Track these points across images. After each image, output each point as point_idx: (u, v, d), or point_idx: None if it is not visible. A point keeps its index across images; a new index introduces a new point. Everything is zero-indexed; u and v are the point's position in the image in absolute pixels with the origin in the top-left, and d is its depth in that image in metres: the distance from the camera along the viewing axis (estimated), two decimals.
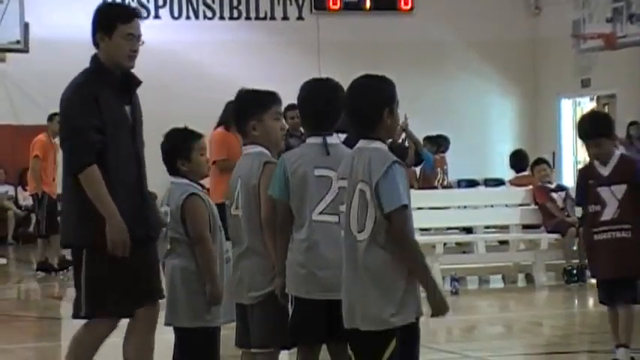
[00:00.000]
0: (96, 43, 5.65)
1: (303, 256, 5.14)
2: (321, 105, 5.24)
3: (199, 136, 5.82)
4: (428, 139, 16.06)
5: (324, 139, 5.19)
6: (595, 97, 22.59)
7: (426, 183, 15.22)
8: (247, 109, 5.48)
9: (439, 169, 15.59)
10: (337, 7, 23.35)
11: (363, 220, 4.61)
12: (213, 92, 20.89)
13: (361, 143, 4.71)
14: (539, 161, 13.77)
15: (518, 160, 14.67)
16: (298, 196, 5.16)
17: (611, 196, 6.90)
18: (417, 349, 4.69)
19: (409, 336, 4.63)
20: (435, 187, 15.16)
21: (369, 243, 4.59)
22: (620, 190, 6.90)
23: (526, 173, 14.30)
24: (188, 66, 21.25)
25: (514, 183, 14.51)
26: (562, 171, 22.51)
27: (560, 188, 13.29)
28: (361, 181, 4.62)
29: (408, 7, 23.72)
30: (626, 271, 6.97)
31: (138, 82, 5.71)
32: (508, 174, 19.07)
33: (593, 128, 7.07)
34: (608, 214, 6.90)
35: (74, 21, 21.33)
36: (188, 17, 22.47)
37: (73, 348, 5.74)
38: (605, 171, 6.96)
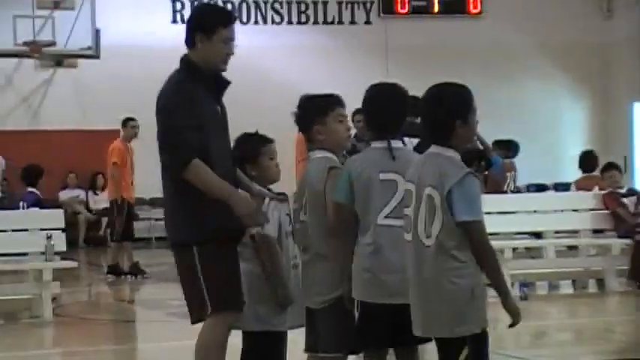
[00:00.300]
0: (191, 43, 5.57)
1: (368, 260, 5.12)
2: (385, 109, 5.23)
3: (269, 140, 5.82)
4: (497, 143, 15.94)
5: (389, 142, 5.18)
6: None
7: (495, 188, 15.10)
8: (310, 114, 5.47)
9: (508, 174, 15.45)
10: (405, 11, 23.30)
11: (430, 225, 4.60)
12: (282, 97, 20.97)
13: (433, 149, 4.71)
14: (610, 167, 13.59)
15: (587, 160, 14.49)
16: (363, 200, 5.14)
17: None
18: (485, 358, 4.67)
19: (476, 345, 4.61)
20: (504, 192, 15.03)
21: (436, 250, 4.59)
22: None
23: (593, 174, 14.13)
24: (257, 71, 21.37)
25: (581, 185, 14.31)
26: (634, 175, 22.20)
27: (632, 193, 13.11)
28: (429, 186, 4.61)
29: (477, 10, 23.59)
30: None
31: (227, 83, 5.66)
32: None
33: None
34: None
35: (144, 28, 21.60)
36: (256, 22, 22.61)
37: (203, 352, 5.48)
38: None
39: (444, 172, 4.58)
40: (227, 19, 5.62)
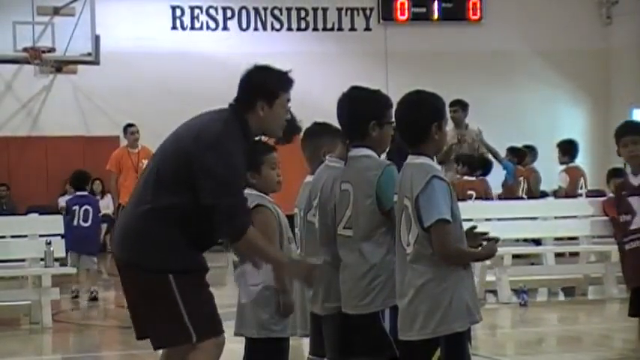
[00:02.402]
0: (249, 106, 5.25)
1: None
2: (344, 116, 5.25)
3: (271, 149, 5.79)
4: (511, 150, 15.90)
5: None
6: None
7: (509, 193, 15.06)
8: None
9: (522, 179, 15.41)
10: (405, 17, 23.32)
11: (407, 234, 4.71)
12: None
13: (408, 159, 4.81)
14: (618, 174, 13.41)
15: (572, 149, 14.57)
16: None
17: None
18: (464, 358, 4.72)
19: (455, 346, 4.66)
20: (521, 198, 15.00)
21: (414, 257, 4.69)
22: None
23: (577, 165, 14.30)
24: None
25: (572, 174, 14.42)
26: None
27: None
28: (405, 197, 4.73)
29: (477, 16, 23.60)
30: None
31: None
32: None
33: (636, 125, 7.08)
34: (637, 223, 6.81)
35: (143, 34, 21.60)
36: (256, 29, 22.60)
37: None
38: (636, 181, 6.91)
39: (413, 181, 4.70)
40: (289, 83, 5.38)
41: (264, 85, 5.30)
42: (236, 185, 5.11)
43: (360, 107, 5.16)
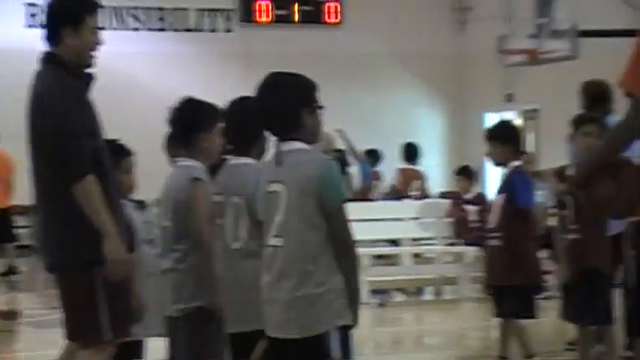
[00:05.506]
0: (56, 39, 5.09)
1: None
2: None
3: (126, 153, 5.68)
4: (368, 152, 16.20)
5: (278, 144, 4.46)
6: (520, 112, 22.80)
7: (363, 194, 15.24)
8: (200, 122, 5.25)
9: (375, 182, 15.68)
10: (266, 19, 23.37)
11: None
12: (139, 103, 20.80)
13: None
14: (460, 172, 13.59)
15: (412, 151, 15.26)
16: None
17: (496, 206, 7.24)
18: None
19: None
20: (372, 200, 15.23)
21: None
22: (499, 199, 7.24)
23: (412, 166, 15.35)
24: (115, 76, 21.06)
25: (404, 174, 15.01)
26: (487, 184, 22.75)
27: (480, 199, 12.91)
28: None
29: (336, 20, 23.82)
30: (493, 279, 7.27)
31: (94, 78, 5.24)
32: (437, 186, 19.20)
33: (496, 130, 7.66)
34: (491, 222, 7.22)
35: (15, 30, 21.10)
36: (114, 28, 22.31)
37: None
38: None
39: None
40: (92, 5, 5.23)
41: (65, 10, 5.17)
42: (65, 135, 4.85)
43: (291, 94, 4.43)
